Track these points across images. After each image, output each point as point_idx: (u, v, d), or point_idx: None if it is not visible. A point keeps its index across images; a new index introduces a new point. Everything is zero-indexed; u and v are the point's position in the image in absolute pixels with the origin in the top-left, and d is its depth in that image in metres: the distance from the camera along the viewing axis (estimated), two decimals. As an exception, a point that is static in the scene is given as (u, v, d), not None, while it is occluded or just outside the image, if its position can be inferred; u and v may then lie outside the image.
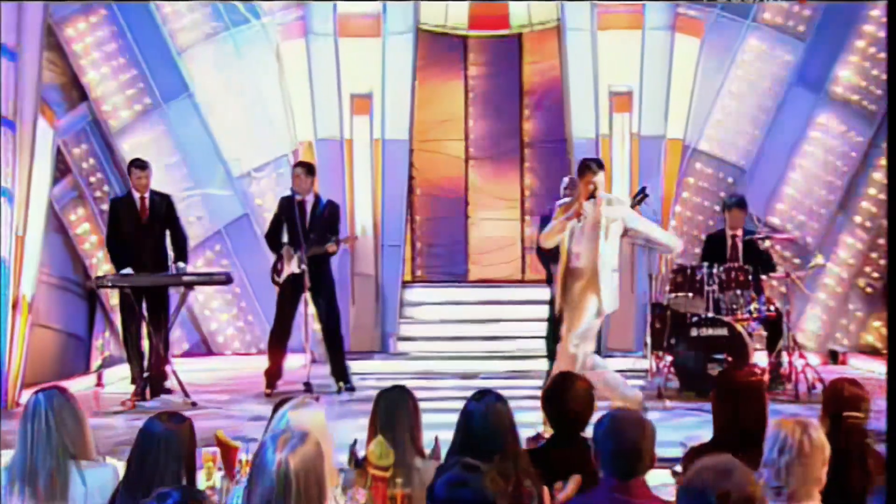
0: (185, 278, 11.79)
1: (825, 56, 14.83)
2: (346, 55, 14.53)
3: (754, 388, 5.61)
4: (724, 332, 11.70)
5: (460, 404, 5.57)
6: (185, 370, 14.06)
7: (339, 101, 14.53)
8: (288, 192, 12.43)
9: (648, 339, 12.38)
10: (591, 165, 10.00)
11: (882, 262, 14.80)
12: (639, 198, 12.33)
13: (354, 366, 13.84)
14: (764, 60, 14.97)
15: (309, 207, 12.27)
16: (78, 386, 13.21)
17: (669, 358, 12.10)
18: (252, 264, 14.72)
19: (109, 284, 11.80)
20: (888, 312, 13.44)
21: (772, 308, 12.08)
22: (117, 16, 14.67)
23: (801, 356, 12.01)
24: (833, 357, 14.66)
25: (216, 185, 14.95)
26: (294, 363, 13.28)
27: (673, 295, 12.05)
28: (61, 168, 14.74)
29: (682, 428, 10.14)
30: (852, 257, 14.95)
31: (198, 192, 14.91)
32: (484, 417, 5.30)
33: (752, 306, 11.95)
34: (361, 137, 14.54)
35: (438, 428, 6.17)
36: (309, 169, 12.45)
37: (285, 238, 12.28)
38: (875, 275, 14.90)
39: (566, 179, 12.47)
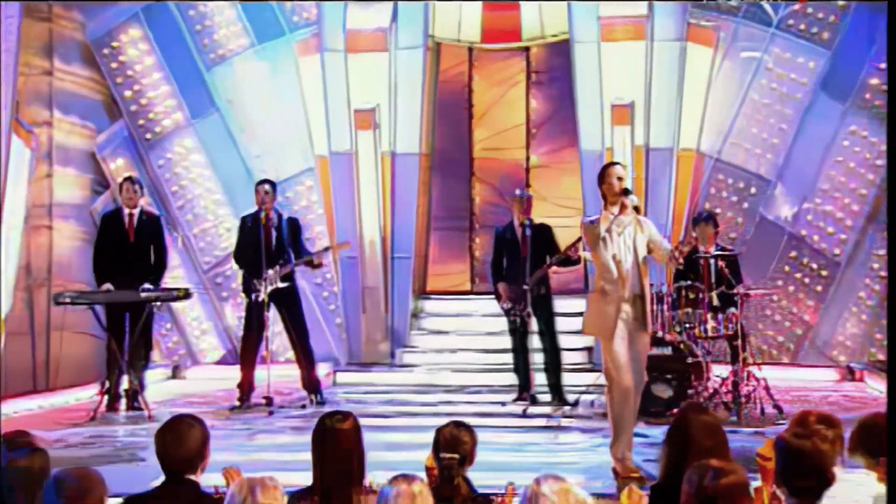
0: (143, 294, 12.19)
1: (852, 63, 14.38)
2: (356, 70, 14.75)
3: (338, 432, 5.67)
4: (667, 351, 11.52)
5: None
6: (192, 379, 14.90)
7: (349, 115, 14.77)
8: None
9: (607, 357, 12.20)
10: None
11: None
12: None
13: (350, 378, 14.25)
14: (788, 68, 14.61)
15: (272, 224, 12.57)
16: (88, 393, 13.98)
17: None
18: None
19: (68, 301, 12.27)
20: (888, 314, 13.01)
21: (730, 327, 11.75)
22: (149, 34, 15.30)
23: (755, 378, 11.66)
24: (850, 374, 14.20)
25: (244, 197, 15.36)
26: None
27: (623, 313, 11.88)
28: (102, 182, 15.53)
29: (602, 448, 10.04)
30: (884, 269, 14.42)
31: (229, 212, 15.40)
32: (5, 471, 4.78)
33: (709, 325, 11.69)
34: (366, 151, 14.73)
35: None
36: (274, 186, 12.78)
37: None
38: (911, 287, 14.34)
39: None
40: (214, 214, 15.45)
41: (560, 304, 13.23)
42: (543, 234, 12.66)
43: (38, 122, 14.91)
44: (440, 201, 16.33)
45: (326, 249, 12.78)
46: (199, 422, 5.69)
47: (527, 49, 16.11)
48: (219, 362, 15.55)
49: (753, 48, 14.62)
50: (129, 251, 12.64)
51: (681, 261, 9.48)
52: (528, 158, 16.48)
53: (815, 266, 14.63)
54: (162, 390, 14.30)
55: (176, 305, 15.10)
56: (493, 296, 13.06)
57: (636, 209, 9.13)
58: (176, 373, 15.39)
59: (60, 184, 15.16)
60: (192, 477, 5.48)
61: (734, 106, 14.70)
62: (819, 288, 14.66)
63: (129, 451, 10.38)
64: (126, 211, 12.78)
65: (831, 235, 14.55)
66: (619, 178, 9.08)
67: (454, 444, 5.76)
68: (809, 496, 4.77)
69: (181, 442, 5.48)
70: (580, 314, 14.20)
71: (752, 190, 14.76)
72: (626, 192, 9.06)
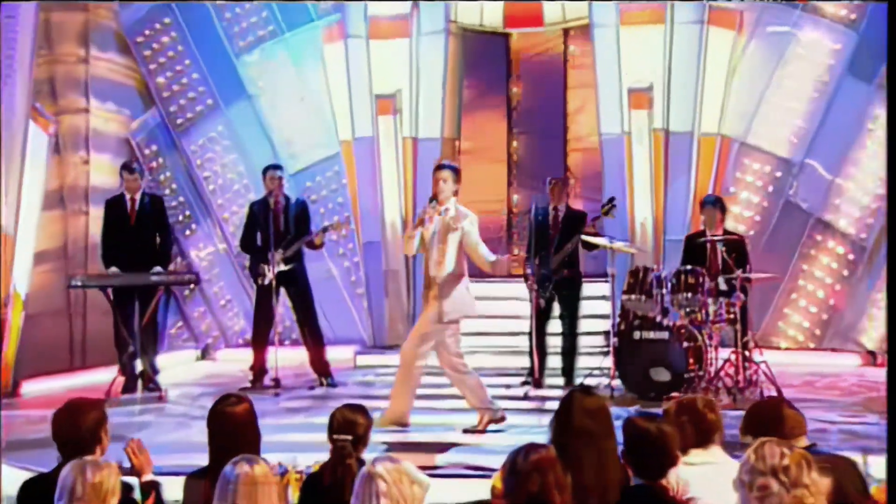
0: (153, 278, 12.40)
1: (879, 45, 14.15)
2: (379, 56, 14.86)
3: (228, 415, 5.82)
4: (664, 335, 11.51)
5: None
6: (222, 361, 15.16)
7: (372, 101, 14.89)
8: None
9: (612, 340, 12.21)
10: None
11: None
12: (606, 207, 12.27)
13: (371, 360, 14.41)
14: (815, 51, 14.45)
15: (281, 208, 12.71)
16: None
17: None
18: (308, 259, 15.23)
19: (80, 284, 12.52)
20: (888, 312, 12.88)
21: (731, 311, 11.70)
22: (180, 22, 15.56)
23: (753, 362, 11.60)
24: (873, 359, 14.06)
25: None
26: (341, 355, 13.96)
27: (626, 297, 11.90)
28: (136, 168, 15.83)
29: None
30: (912, 255, 14.22)
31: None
32: None
33: (711, 309, 11.66)
34: (386, 136, 14.83)
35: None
36: (280, 171, 12.91)
37: (259, 242, 12.79)
38: (939, 273, 14.12)
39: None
40: (244, 199, 15.63)
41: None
42: (574, 221, 12.61)
43: (76, 109, 15.28)
44: (477, 186, 16.33)
45: (325, 230, 12.80)
46: (95, 405, 5.87)
47: (566, 31, 16.13)
48: (248, 344, 15.75)
49: (779, 31, 14.48)
50: (130, 235, 12.76)
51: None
52: (565, 142, 16.49)
53: (841, 250, 14.48)
54: (189, 371, 14.59)
55: (207, 288, 15.43)
56: (521, 278, 13.15)
57: (442, 210, 10.21)
58: (205, 354, 15.64)
59: (97, 170, 15.49)
60: (91, 458, 5.64)
61: (759, 89, 14.57)
62: (845, 272, 14.50)
63: (124, 430, 10.56)
64: (128, 196, 12.93)
65: (858, 219, 14.38)
66: (436, 182, 10.23)
67: (347, 426, 5.87)
68: (653, 475, 4.85)
69: (74, 424, 5.69)
70: (603, 297, 14.40)
71: (778, 174, 14.64)
72: (433, 197, 10.21)
